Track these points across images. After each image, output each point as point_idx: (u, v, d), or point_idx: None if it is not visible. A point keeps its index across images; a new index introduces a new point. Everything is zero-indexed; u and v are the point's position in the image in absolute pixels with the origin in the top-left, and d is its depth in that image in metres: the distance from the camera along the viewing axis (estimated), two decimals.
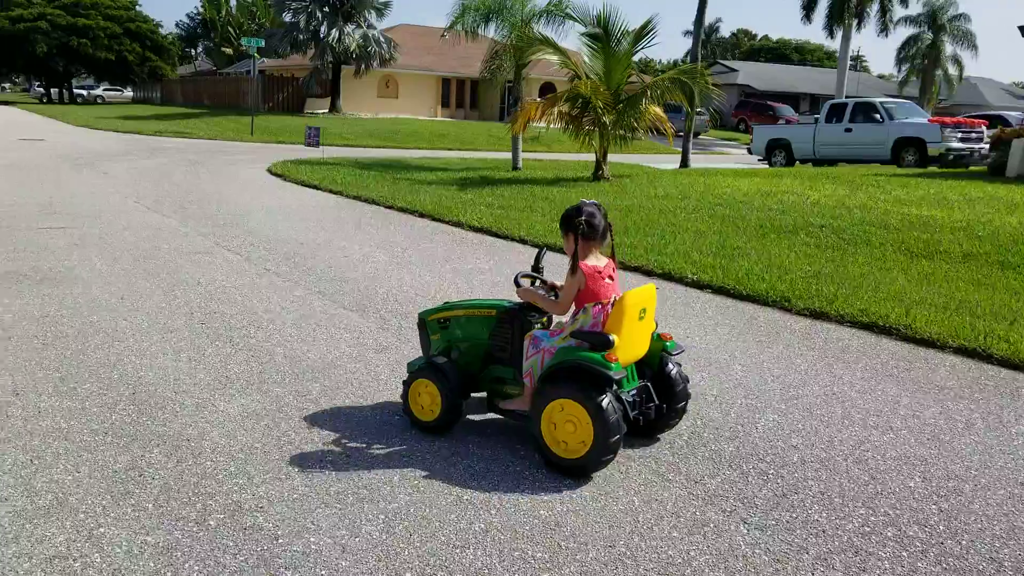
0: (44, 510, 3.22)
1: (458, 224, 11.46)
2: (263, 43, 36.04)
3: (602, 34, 17.13)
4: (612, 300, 3.78)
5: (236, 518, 3.23)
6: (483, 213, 12.17)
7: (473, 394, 4.29)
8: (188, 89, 61.80)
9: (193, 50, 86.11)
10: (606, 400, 3.56)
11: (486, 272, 8.39)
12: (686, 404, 4.14)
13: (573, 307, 3.89)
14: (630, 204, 13.20)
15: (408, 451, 3.95)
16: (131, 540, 3.05)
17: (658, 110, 17.63)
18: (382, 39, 43.30)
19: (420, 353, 4.74)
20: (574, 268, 3.81)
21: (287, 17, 44.35)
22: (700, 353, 5.74)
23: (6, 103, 61.95)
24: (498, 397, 4.14)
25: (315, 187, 15.80)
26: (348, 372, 5.07)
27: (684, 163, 23.33)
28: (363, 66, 43.69)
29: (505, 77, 23.71)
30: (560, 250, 7.24)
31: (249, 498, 3.39)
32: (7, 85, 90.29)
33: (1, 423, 4.02)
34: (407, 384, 4.19)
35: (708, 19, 24.97)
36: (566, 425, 3.63)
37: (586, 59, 17.93)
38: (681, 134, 24.58)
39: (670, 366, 4.07)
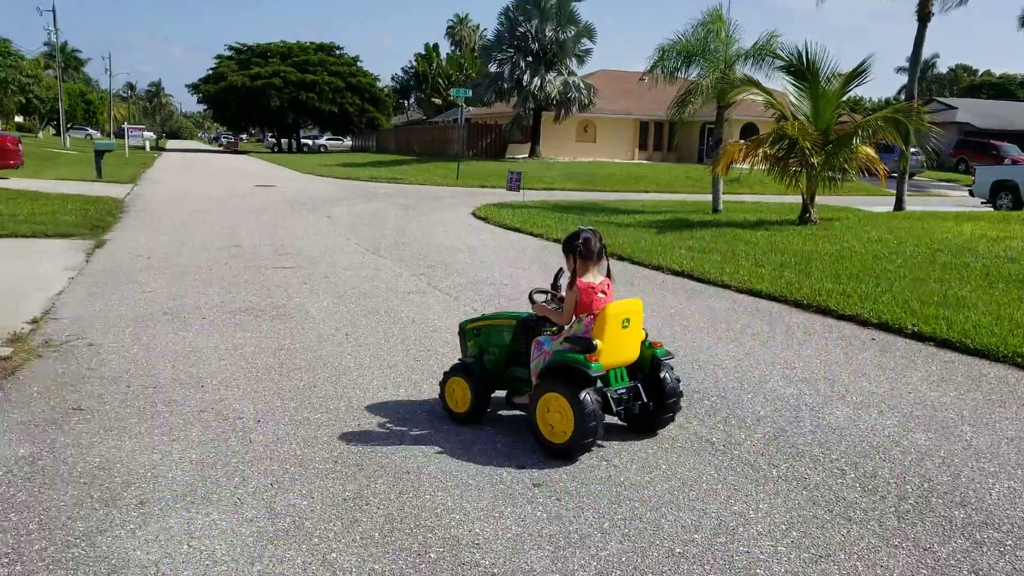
0: (284, 532, 3.50)
1: (658, 268, 11.40)
2: (470, 93, 37.78)
3: (809, 74, 16.61)
4: (597, 312, 4.44)
5: (455, 552, 3.37)
6: (683, 256, 12.05)
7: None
8: (400, 137, 65.75)
9: (406, 101, 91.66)
10: (584, 394, 4.23)
11: (690, 316, 8.28)
12: (677, 403, 4.74)
13: (575, 318, 4.56)
14: (840, 249, 12.60)
15: (617, 496, 3.95)
16: (360, 567, 3.25)
17: (870, 150, 16.80)
18: (582, 85, 44.18)
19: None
20: (571, 284, 4.56)
21: (492, 68, 46.30)
22: (925, 411, 5.37)
23: (244, 152, 68.56)
24: (515, 394, 4.92)
25: (517, 230, 16.27)
26: None
27: (899, 206, 21.98)
28: (563, 112, 44.72)
29: (701, 119, 23.43)
30: None
31: (466, 533, 3.53)
32: (244, 136, 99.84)
33: (246, 447, 4.42)
34: (443, 382, 4.95)
35: (924, 54, 23.47)
36: (554, 415, 4.33)
37: (792, 99, 17.42)
38: (895, 175, 23.20)
39: (662, 371, 4.68)
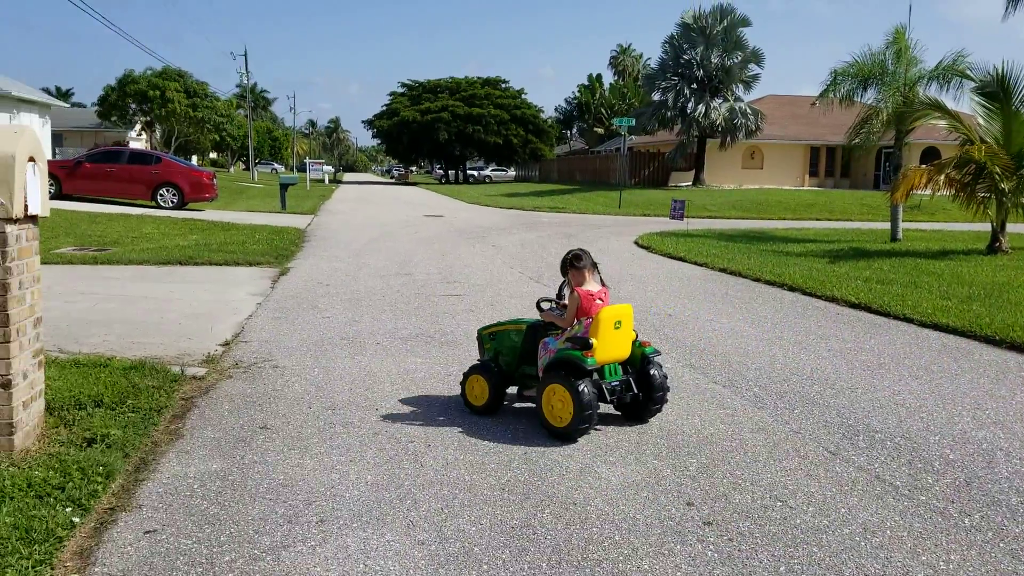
0: (454, 557, 3.57)
1: (832, 299, 10.89)
2: (633, 122, 37.72)
3: (1001, 94, 15.48)
4: (595, 315, 5.12)
5: None
6: (860, 288, 11.46)
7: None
8: (563, 167, 66.54)
9: (568, 131, 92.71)
10: (582, 385, 4.92)
11: (868, 351, 7.84)
12: (664, 395, 5.41)
13: (575, 321, 5.29)
14: None
15: (793, 539, 3.77)
16: None
17: None
18: (748, 111, 43.17)
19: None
20: (572, 292, 5.34)
21: (656, 96, 46.12)
22: None
23: (414, 184, 71.43)
24: (525, 388, 5.65)
25: (680, 259, 16.02)
26: (724, 450, 5.01)
27: None
28: (729, 138, 43.84)
29: (878, 143, 22.27)
30: None
31: (634, 570, 3.47)
32: (414, 168, 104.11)
33: (417, 471, 4.55)
34: (463, 380, 5.69)
35: None
36: (557, 403, 5.03)
37: (980, 121, 16.28)
38: None
39: (651, 367, 5.36)
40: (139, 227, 18.91)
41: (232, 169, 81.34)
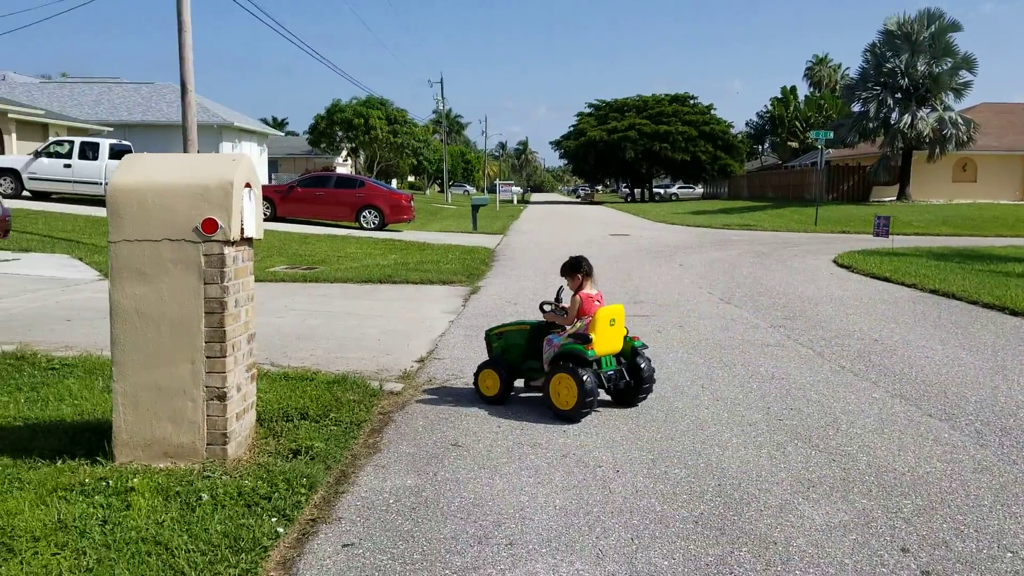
0: None
1: None
2: (831, 135, 35.90)
3: None
4: (593, 314, 5.93)
5: None
6: None
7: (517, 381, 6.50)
8: (753, 183, 64.41)
9: (759, 146, 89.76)
10: (584, 374, 5.70)
11: None
12: (651, 384, 6.21)
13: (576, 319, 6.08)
14: None
15: None
16: None
17: None
18: (959, 120, 39.97)
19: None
20: (575, 295, 6.13)
21: (856, 107, 43.74)
22: None
23: (599, 203, 71.61)
24: (531, 379, 6.43)
25: (886, 279, 14.99)
26: (942, 491, 4.56)
27: None
28: (937, 150, 40.75)
29: None
30: None
31: None
32: (599, 187, 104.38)
33: (606, 497, 4.44)
34: (476, 373, 6.46)
35: None
36: (563, 389, 5.80)
37: None
38: None
39: (639, 358, 6.15)
40: (343, 247, 20.06)
41: (428, 191, 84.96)
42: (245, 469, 4.57)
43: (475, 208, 30.08)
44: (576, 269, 6.21)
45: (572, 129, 73.66)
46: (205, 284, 4.59)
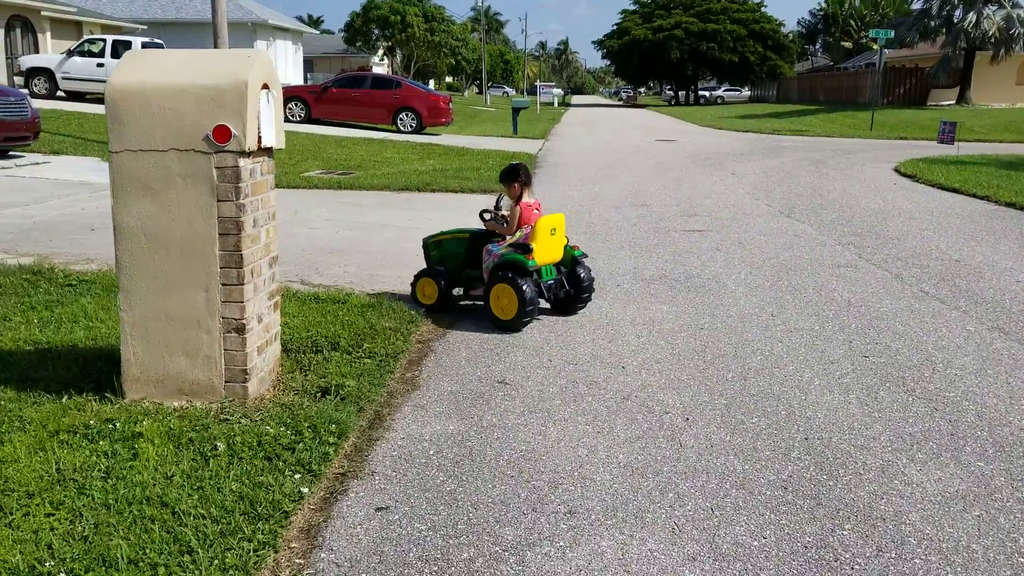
0: None
1: None
2: (892, 34, 33.86)
3: None
4: (534, 224, 5.81)
5: None
6: None
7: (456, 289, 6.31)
8: (803, 86, 61.86)
9: (811, 47, 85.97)
10: (525, 284, 5.61)
11: None
12: (590, 293, 6.18)
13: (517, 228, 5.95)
14: None
15: None
16: None
17: None
18: None
19: None
20: (516, 204, 5.94)
21: (917, 4, 41.42)
22: None
23: (642, 106, 69.47)
24: (470, 288, 6.28)
25: (955, 190, 14.01)
26: None
27: None
28: (1002, 51, 38.40)
29: None
30: None
31: None
32: (642, 90, 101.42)
33: (677, 453, 3.87)
34: (414, 283, 6.29)
35: None
36: (503, 300, 5.71)
37: None
38: None
39: (579, 267, 6.08)
40: (380, 151, 19.37)
41: (466, 93, 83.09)
42: (267, 411, 4.06)
43: (515, 111, 29.02)
44: (514, 177, 6.03)
45: (615, 28, 70.81)
46: (218, 201, 3.99)
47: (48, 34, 30.81)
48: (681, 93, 75.66)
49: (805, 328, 5.93)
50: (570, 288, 6.10)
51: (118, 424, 3.85)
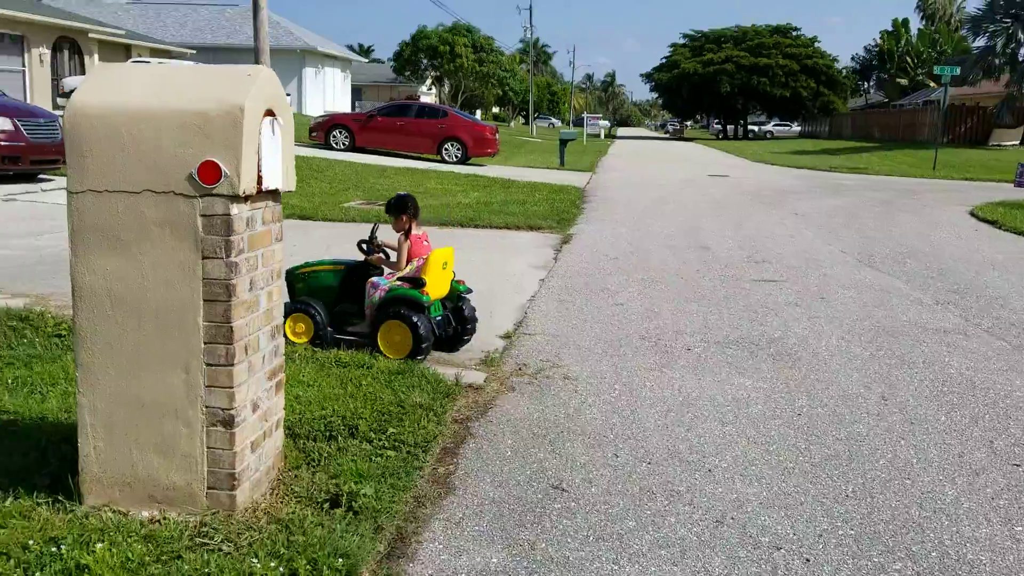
0: None
1: None
2: (958, 70, 32.53)
3: None
4: (424, 257, 5.70)
5: None
6: None
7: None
8: (857, 122, 60.35)
9: (864, 83, 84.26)
10: (419, 320, 5.49)
11: None
12: (474, 328, 5.99)
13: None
14: None
15: None
16: None
17: None
18: None
19: None
20: (407, 236, 5.83)
21: (980, 41, 39.75)
22: None
23: (690, 139, 68.39)
24: (348, 324, 5.93)
25: None
26: None
27: None
28: None
29: None
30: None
31: None
32: (688, 123, 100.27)
33: None
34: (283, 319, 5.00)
35: None
36: (395, 335, 5.55)
37: None
38: None
39: (463, 303, 5.97)
40: (423, 181, 18.63)
41: (512, 124, 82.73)
42: (258, 531, 3.12)
43: (563, 142, 28.24)
44: (403, 209, 5.81)
45: (665, 61, 70.11)
46: (204, 259, 3.10)
47: (96, 56, 30.78)
48: (729, 127, 74.44)
49: (929, 418, 4.86)
50: (456, 324, 5.90)
51: (64, 547, 2.94)
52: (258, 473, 3.42)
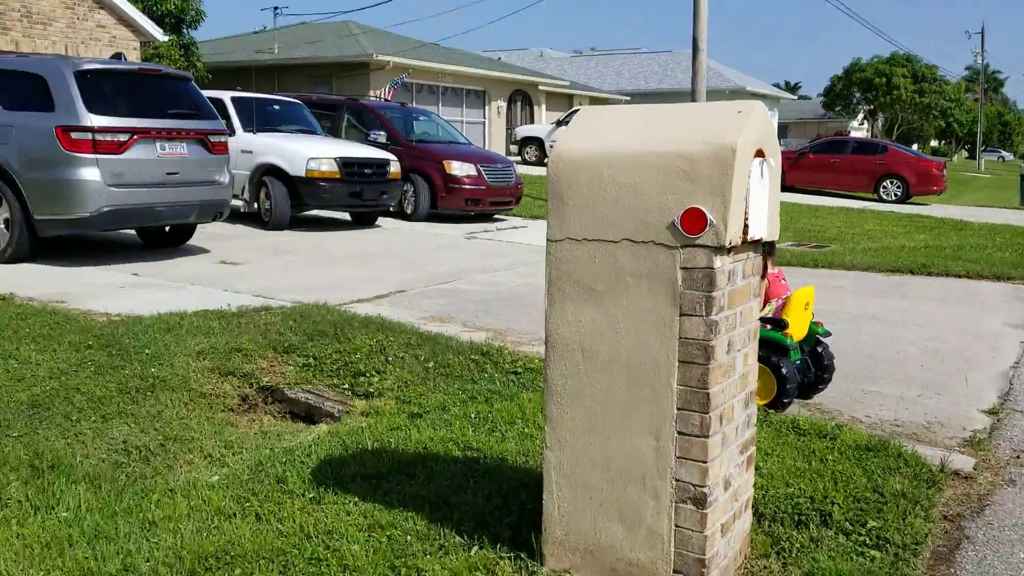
0: None
1: None
2: None
3: None
4: (783, 297, 5.38)
5: None
6: None
7: None
8: None
9: None
10: (783, 363, 5.03)
11: None
12: (831, 376, 5.46)
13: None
14: None
15: None
16: None
17: None
18: None
19: None
20: (763, 276, 4.66)
21: None
22: None
23: None
24: None
25: None
26: None
27: None
28: None
29: None
30: None
31: None
32: None
33: None
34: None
35: None
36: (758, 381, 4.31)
37: None
38: None
39: (820, 346, 5.43)
40: (860, 222, 17.24)
41: (955, 158, 74.56)
42: None
43: None
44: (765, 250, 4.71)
45: None
46: (681, 315, 2.80)
47: (543, 106, 33.79)
48: None
49: None
50: (815, 370, 5.45)
51: None
52: (726, 560, 3.03)
